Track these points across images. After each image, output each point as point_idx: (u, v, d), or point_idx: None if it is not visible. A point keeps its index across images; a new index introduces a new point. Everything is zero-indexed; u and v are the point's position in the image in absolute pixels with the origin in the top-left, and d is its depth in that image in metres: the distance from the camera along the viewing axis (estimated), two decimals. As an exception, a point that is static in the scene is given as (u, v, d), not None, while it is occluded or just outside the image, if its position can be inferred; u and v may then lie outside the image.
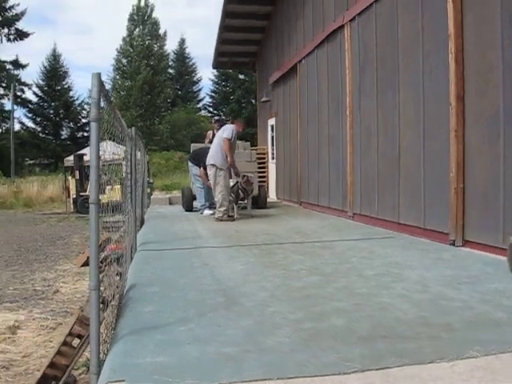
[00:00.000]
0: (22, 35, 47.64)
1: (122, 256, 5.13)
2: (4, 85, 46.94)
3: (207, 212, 10.56)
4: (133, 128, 5.96)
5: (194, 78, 55.96)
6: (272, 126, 16.30)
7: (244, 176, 9.78)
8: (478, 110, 5.86)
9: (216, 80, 53.27)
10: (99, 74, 2.90)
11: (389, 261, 5.32)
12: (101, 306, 3.13)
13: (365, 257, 5.56)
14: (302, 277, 4.62)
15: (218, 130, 11.94)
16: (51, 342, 6.27)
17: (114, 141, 3.79)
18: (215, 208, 9.65)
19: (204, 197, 10.80)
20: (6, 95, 46.94)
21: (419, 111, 6.92)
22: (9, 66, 47.50)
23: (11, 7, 46.40)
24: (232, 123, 10.13)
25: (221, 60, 20.04)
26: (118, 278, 4.28)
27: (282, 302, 3.80)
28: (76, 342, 3.91)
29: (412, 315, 3.41)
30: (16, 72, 47.83)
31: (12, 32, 47.04)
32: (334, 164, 10.28)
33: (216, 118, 13.64)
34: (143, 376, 2.47)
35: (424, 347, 2.81)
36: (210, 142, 11.97)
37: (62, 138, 50.96)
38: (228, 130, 9.66)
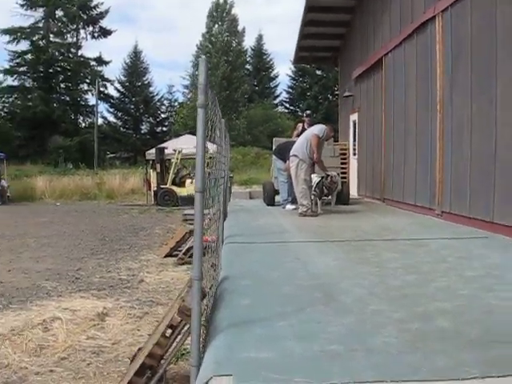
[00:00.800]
0: (105, 33, 49.41)
1: (212, 248, 5.13)
2: (88, 81, 48.69)
3: (289, 207, 10.48)
4: (223, 120, 5.94)
5: (271, 74, 56.06)
6: (354, 122, 16.02)
7: (328, 176, 9.64)
8: None
9: (293, 76, 53.19)
10: (206, 60, 2.86)
11: (488, 262, 5.05)
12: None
13: (461, 257, 5.31)
14: (399, 275, 4.45)
15: (308, 124, 11.96)
16: (139, 330, 6.38)
17: (214, 130, 3.73)
18: (298, 203, 9.56)
19: (287, 191, 10.72)
20: (90, 91, 48.71)
21: (520, 104, 6.56)
22: (93, 63, 49.24)
23: (96, 6, 48.26)
24: (324, 124, 10.06)
25: (302, 55, 19.89)
26: (212, 269, 4.26)
27: (381, 300, 3.65)
28: (168, 332, 3.91)
29: (525, 320, 3.19)
30: (99, 68, 49.59)
31: (96, 30, 48.95)
32: (422, 160, 9.95)
33: (308, 112, 13.49)
34: (250, 371, 2.40)
35: (546, 356, 2.60)
36: (298, 135, 11.94)
37: (142, 132, 52.38)
38: (319, 128, 9.66)
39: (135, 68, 51.76)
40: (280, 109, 54.63)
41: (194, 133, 4.00)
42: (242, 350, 2.66)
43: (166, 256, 10.62)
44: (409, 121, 10.78)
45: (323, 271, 4.63)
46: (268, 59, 55.87)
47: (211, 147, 5.34)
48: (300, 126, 12.55)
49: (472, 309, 3.45)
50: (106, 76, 49.80)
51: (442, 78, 8.95)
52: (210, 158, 5.85)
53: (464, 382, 2.31)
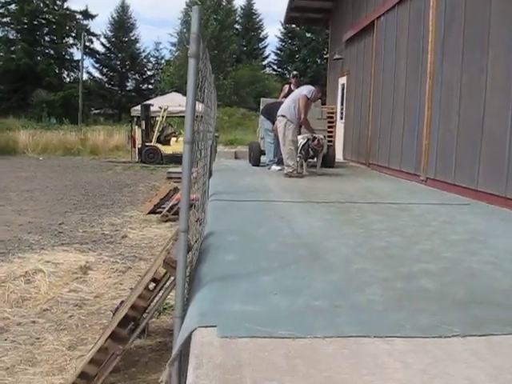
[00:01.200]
0: (91, -15, 48.18)
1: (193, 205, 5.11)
2: (74, 34, 47.74)
3: (275, 167, 10.45)
4: (212, 75, 5.84)
5: (260, 35, 55.35)
6: (342, 85, 15.91)
7: (315, 138, 9.58)
8: None
9: (282, 38, 52.60)
10: (199, 9, 2.79)
11: (471, 227, 5.09)
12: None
13: (445, 221, 5.35)
14: (383, 237, 4.46)
15: (294, 86, 11.84)
16: (121, 284, 6.41)
17: (204, 83, 3.66)
18: (283, 164, 9.53)
19: (273, 152, 10.68)
20: (76, 45, 47.80)
21: (510, 73, 6.52)
22: (78, 16, 48.22)
23: (81, -44, 46.88)
24: (312, 85, 9.95)
25: (293, 15, 19.58)
26: (198, 224, 4.24)
27: (366, 260, 3.67)
28: (152, 286, 3.91)
29: (507, 284, 3.21)
30: (85, 22, 48.60)
31: (82, -18, 47.63)
32: (409, 126, 9.93)
33: (294, 72, 13.30)
34: (234, 323, 2.40)
35: (527, 318, 2.64)
36: (285, 96, 11.82)
37: (127, 89, 51.70)
38: (308, 89, 9.60)
39: (122, 23, 50.82)
40: (268, 70, 54.18)
41: (179, 91, 3.93)
42: (226, 303, 2.66)
43: (149, 213, 10.62)
44: (398, 86, 10.72)
45: (308, 230, 4.63)
46: (257, 19, 55.12)
47: (199, 106, 5.28)
48: (287, 87, 12.41)
49: (456, 271, 3.48)
50: (91, 30, 48.95)
51: (434, 44, 8.88)
52: (197, 116, 5.78)
53: (446, 340, 2.33)
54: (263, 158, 11.38)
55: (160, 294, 3.74)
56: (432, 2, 8.92)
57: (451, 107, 8.15)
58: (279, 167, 10.21)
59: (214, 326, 2.37)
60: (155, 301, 3.83)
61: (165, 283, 3.64)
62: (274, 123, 10.17)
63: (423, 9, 9.40)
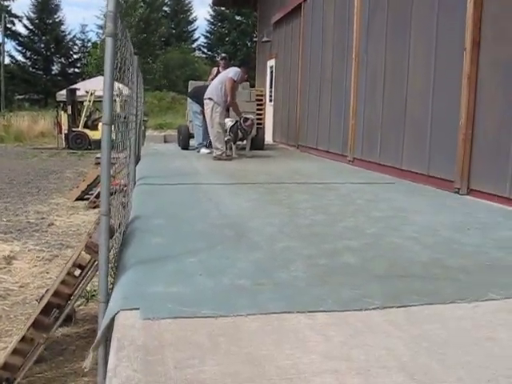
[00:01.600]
0: (12, -36, 46.18)
1: (123, 189, 5.02)
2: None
3: (204, 150, 10.41)
4: (137, 56, 5.73)
5: (190, 18, 54.67)
6: (271, 68, 15.97)
7: (247, 119, 9.59)
8: (494, 56, 5.67)
9: (212, 20, 52.17)
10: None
11: (394, 205, 5.24)
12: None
13: (370, 199, 5.48)
14: (309, 215, 4.53)
15: (223, 68, 11.76)
16: (47, 273, 6.24)
17: (124, 63, 3.58)
18: (212, 147, 9.51)
19: (202, 135, 10.62)
20: (-4, 27, 45.85)
21: (431, 55, 6.71)
22: (-2, -3, 46.26)
23: None
24: (239, 67, 9.93)
25: (221, -3, 19.48)
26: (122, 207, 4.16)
27: (291, 238, 3.71)
28: (77, 273, 3.83)
29: (425, 257, 3.33)
30: (6, 3, 46.58)
31: (2, -39, 45.65)
32: (336, 108, 10.09)
33: (223, 55, 13.21)
34: (157, 305, 2.37)
35: (443, 288, 2.74)
36: (213, 79, 11.74)
37: (53, 73, 50.05)
38: (235, 71, 9.61)
39: (46, 5, 48.99)
40: (197, 53, 53.67)
41: (124, 62, 3.82)
42: (150, 285, 2.63)
43: (76, 199, 10.38)
44: (325, 68, 10.85)
45: (235, 212, 4.64)
46: (186, 2, 54.36)
47: (124, 90, 5.16)
48: (215, 69, 12.28)
49: (378, 246, 3.57)
50: (13, 12, 46.96)
51: (359, 26, 9.02)
52: (123, 100, 5.66)
53: (366, 312, 2.39)
54: (192, 142, 11.30)
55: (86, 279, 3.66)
56: (357, -15, 9.05)
57: (376, 89, 8.33)
58: (208, 150, 10.19)
59: (137, 309, 2.34)
60: (81, 286, 3.75)
61: (90, 269, 3.57)
62: (202, 106, 10.10)
63: (348, -9, 9.51)
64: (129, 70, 4.32)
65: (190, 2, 54.51)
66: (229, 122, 9.72)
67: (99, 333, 2.51)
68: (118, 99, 5.43)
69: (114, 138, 4.18)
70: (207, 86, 9.97)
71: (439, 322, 2.32)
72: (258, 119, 11.87)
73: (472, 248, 3.59)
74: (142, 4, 45.18)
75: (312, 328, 2.21)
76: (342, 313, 2.38)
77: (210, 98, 9.33)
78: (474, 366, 1.91)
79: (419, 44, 7.07)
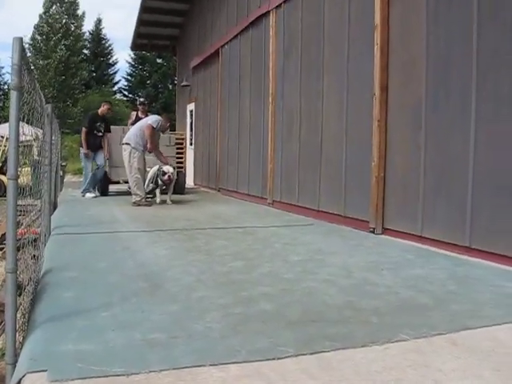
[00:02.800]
0: None
1: (36, 239, 4.85)
2: None
3: (89, 195, 10.81)
4: (50, 105, 5.63)
5: (110, 61, 54.24)
6: (191, 112, 16.07)
7: (165, 173, 9.42)
8: (401, 100, 5.97)
9: (133, 63, 51.93)
10: (21, 39, 2.67)
11: (312, 247, 5.33)
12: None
13: (288, 243, 5.54)
14: (227, 262, 4.53)
15: (142, 113, 11.82)
16: (-45, 330, 5.87)
17: (33, 114, 3.51)
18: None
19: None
20: None
21: (343, 99, 6.97)
22: None
23: None
24: (160, 115, 10.04)
25: (140, 42, 19.52)
26: (32, 261, 4.02)
27: (208, 287, 3.69)
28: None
29: (340, 300, 3.40)
30: None
31: None
32: (255, 151, 10.24)
33: (141, 99, 13.20)
34: (67, 365, 2.29)
35: (355, 331, 2.79)
36: (133, 123, 11.77)
37: (-34, 117, 48.30)
38: (155, 119, 9.64)
39: (-42, 47, 47.54)
40: (119, 96, 53.19)
41: (33, 113, 3.72)
42: (59, 344, 2.54)
43: (-10, 249, 9.90)
44: (243, 112, 11.03)
45: (152, 260, 4.58)
46: (107, 45, 54.02)
47: (40, 134, 5.04)
48: (134, 113, 12.36)
49: (293, 291, 3.61)
50: None
51: (275, 71, 9.27)
52: (26, 146, 5.51)
53: (280, 361, 2.40)
54: (111, 187, 11.20)
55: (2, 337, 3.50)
56: (272, 31, 9.34)
57: (292, 133, 8.53)
58: (93, 194, 10.83)
59: (45, 371, 2.25)
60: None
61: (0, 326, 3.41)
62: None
63: (264, 37, 9.80)
64: (38, 120, 4.23)
65: (110, 45, 54.25)
66: (150, 173, 9.72)
67: (4, 398, 2.40)
68: (35, 144, 5.30)
69: (31, 184, 4.07)
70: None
71: (351, 367, 2.35)
72: (178, 163, 11.87)
73: (384, 289, 3.69)
74: (62, 47, 44.53)
75: (224, 381, 2.19)
76: (255, 363, 2.37)
77: (127, 143, 9.29)
78: (382, 411, 1.95)
79: (331, 88, 7.33)
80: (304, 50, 8.21)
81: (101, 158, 11.13)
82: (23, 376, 2.25)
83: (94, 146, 11.04)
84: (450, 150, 5.21)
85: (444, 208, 5.28)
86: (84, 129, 10.96)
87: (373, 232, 6.23)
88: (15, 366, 2.53)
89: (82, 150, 11.03)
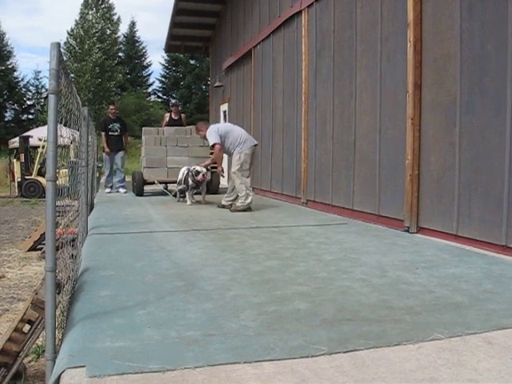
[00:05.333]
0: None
1: (74, 239, 4.97)
2: None
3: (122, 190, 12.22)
4: (86, 107, 5.75)
5: (144, 63, 54.97)
6: (224, 112, 16.16)
7: (198, 172, 9.39)
8: (434, 98, 5.91)
9: (166, 65, 52.51)
10: (59, 44, 2.75)
11: (346, 246, 5.32)
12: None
13: (322, 242, 5.55)
14: (261, 261, 4.57)
15: (175, 114, 12.18)
16: (-3, 328, 6.05)
17: (70, 117, 3.60)
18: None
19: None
20: None
21: (376, 97, 6.95)
22: None
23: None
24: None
25: (173, 43, 19.70)
26: (71, 261, 4.12)
27: (242, 286, 3.73)
28: (27, 328, 3.76)
29: (374, 299, 3.40)
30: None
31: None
32: (288, 150, 10.26)
33: (173, 101, 13.71)
34: (104, 361, 2.36)
35: (389, 330, 2.80)
36: (167, 124, 12.16)
37: (6, 120, 49.34)
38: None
39: (-2, 51, 48.61)
40: (153, 98, 53.81)
41: (70, 115, 3.82)
42: (97, 341, 2.61)
43: (29, 250, 10.14)
44: (276, 112, 11.05)
45: (187, 260, 4.63)
46: (141, 47, 54.73)
47: (77, 136, 5.16)
48: (167, 115, 12.96)
49: (327, 290, 3.62)
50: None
51: (307, 70, 9.27)
52: (64, 147, 5.63)
53: (313, 359, 2.42)
54: (146, 188, 11.36)
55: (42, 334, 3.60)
56: (304, 31, 9.33)
57: (326, 132, 8.52)
58: (109, 190, 12.33)
59: (83, 366, 2.31)
60: (30, 342, 3.67)
61: (38, 324, 3.51)
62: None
63: (296, 37, 9.80)
64: (75, 123, 4.33)
65: (144, 48, 54.97)
66: (180, 174, 9.77)
67: (45, 392, 2.47)
68: (72, 146, 5.42)
69: (69, 186, 4.17)
70: None
71: (384, 366, 2.36)
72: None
73: (418, 287, 3.67)
74: (96, 50, 45.19)
75: (258, 378, 2.22)
76: (289, 361, 2.40)
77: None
78: (416, 410, 1.95)
79: (364, 87, 7.31)
80: (336, 48, 8.19)
81: (119, 160, 12.38)
82: (63, 371, 2.31)
83: (113, 145, 12.26)
84: (485, 148, 5.15)
85: (480, 206, 5.21)
86: (102, 132, 12.38)
87: (407, 231, 6.19)
88: (55, 362, 2.60)
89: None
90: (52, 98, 2.72)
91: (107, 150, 12.29)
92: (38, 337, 3.51)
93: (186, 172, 9.67)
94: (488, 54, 5.10)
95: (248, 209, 8.46)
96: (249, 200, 8.47)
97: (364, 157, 7.32)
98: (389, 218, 6.67)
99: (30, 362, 4.91)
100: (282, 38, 10.67)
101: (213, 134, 8.59)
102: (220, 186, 12.30)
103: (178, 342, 2.62)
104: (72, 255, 4.13)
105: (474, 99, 5.28)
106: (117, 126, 12.41)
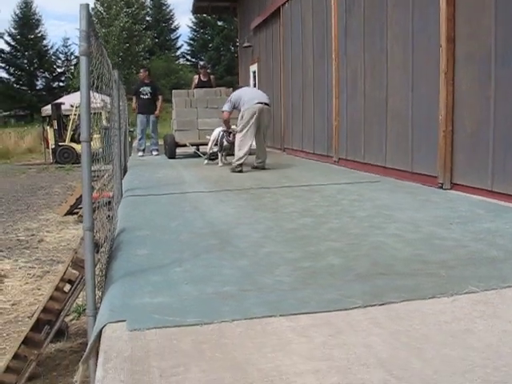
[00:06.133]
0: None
1: (110, 202, 5.05)
2: (-26, 33, 45.60)
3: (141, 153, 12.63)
4: (116, 71, 5.78)
5: (172, 26, 54.75)
6: (254, 73, 16.04)
7: (229, 133, 9.44)
8: (468, 51, 5.76)
9: (194, 27, 52.24)
10: (87, 5, 2.76)
11: (378, 203, 5.30)
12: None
13: (355, 199, 5.54)
14: (294, 219, 4.60)
15: (204, 76, 12.23)
16: (39, 289, 6.24)
17: (102, 80, 3.62)
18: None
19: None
20: (-23, 44, 45.67)
21: (408, 53, 6.80)
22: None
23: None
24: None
25: (200, 5, 19.51)
26: (107, 221, 4.20)
27: (276, 243, 3.77)
28: (67, 287, 3.86)
29: (407, 253, 3.41)
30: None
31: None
32: (319, 109, 10.17)
33: (202, 63, 13.77)
34: (143, 316, 2.43)
35: (423, 283, 2.81)
36: (196, 86, 12.15)
37: (37, 88, 49.92)
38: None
39: (27, 20, 48.85)
40: (182, 61, 53.71)
41: (101, 79, 3.84)
42: (136, 297, 2.69)
43: (66, 214, 10.35)
44: (306, 70, 10.93)
45: (221, 219, 4.69)
46: (168, 10, 54.46)
47: (109, 101, 5.20)
48: (196, 77, 13.15)
49: (361, 246, 3.64)
50: (-6, 29, 46.81)
51: (337, 27, 9.11)
52: (108, 112, 5.69)
53: (347, 312, 2.45)
54: (178, 150, 11.43)
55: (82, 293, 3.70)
56: (333, -13, 9.13)
57: (357, 88, 8.41)
58: (141, 153, 12.62)
59: (124, 321, 2.39)
60: (71, 300, 3.78)
61: (78, 283, 3.61)
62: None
63: (325, -7, 9.60)
64: (107, 85, 4.36)
65: (171, 11, 54.62)
66: (212, 136, 9.77)
67: (88, 346, 2.56)
68: (103, 112, 5.48)
69: (102, 150, 4.23)
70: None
71: (419, 318, 2.38)
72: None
73: (452, 242, 3.66)
74: (123, 15, 45.01)
75: (294, 330, 2.26)
76: (324, 314, 2.44)
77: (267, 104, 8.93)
78: (451, 359, 1.98)
79: (396, 41, 7.16)
80: (367, 3, 8.01)
81: (150, 124, 12.83)
82: (104, 326, 2.39)
83: (143, 107, 12.66)
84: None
85: (515, 161, 5.12)
86: (133, 96, 12.96)
87: (441, 187, 6.12)
88: (96, 318, 2.69)
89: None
90: (83, 60, 2.74)
91: (134, 106, 12.96)
92: (78, 296, 3.61)
93: (221, 133, 9.64)
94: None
95: (239, 171, 8.50)
96: (234, 162, 8.61)
97: (396, 113, 7.22)
98: (422, 174, 6.60)
99: (71, 320, 5.07)
100: (311, -6, 10.48)
101: (226, 101, 9.15)
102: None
103: (215, 297, 2.67)
104: (108, 216, 4.22)
105: (510, 51, 5.13)
106: (147, 89, 12.61)
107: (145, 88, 12.63)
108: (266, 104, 8.77)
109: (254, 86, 15.99)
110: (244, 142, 8.56)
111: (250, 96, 8.87)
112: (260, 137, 8.87)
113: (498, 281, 2.82)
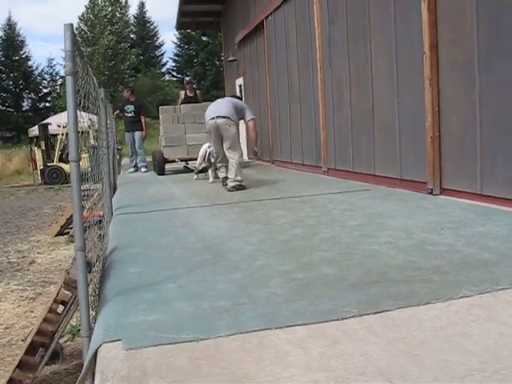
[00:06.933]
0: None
1: (100, 221, 5.04)
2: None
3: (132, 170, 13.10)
4: (102, 89, 5.78)
5: (156, 43, 54.95)
6: (240, 86, 16.09)
7: None
8: (452, 57, 5.81)
9: (179, 43, 52.41)
10: (71, 25, 2.76)
11: (370, 211, 5.32)
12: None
13: (346, 209, 5.55)
14: (286, 230, 4.59)
15: (190, 91, 12.26)
16: (32, 312, 6.19)
17: (88, 98, 3.62)
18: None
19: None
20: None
21: (392, 60, 6.85)
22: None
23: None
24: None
25: (184, 20, 19.54)
26: (99, 240, 4.19)
27: (269, 255, 3.76)
28: (61, 309, 3.83)
29: (401, 260, 3.41)
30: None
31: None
32: (307, 120, 10.20)
33: (187, 78, 13.89)
34: (139, 334, 2.41)
35: (417, 290, 2.80)
36: (182, 102, 12.17)
37: (24, 109, 49.83)
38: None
39: (11, 41, 48.85)
40: (167, 77, 53.82)
41: (87, 97, 3.84)
42: (131, 315, 2.67)
43: (57, 235, 10.31)
44: (292, 82, 10.98)
45: (213, 233, 4.67)
46: (152, 27, 54.63)
47: (95, 119, 5.20)
48: (182, 93, 13.23)
49: (354, 254, 3.64)
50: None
51: (321, 38, 9.17)
52: (83, 132, 5.66)
53: (343, 321, 2.45)
54: (167, 166, 11.43)
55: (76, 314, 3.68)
56: (315, -1, 9.20)
57: (343, 97, 8.45)
58: (133, 169, 13.12)
59: (119, 340, 2.37)
60: (65, 321, 3.76)
61: (72, 304, 3.58)
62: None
63: (307, 4, 9.67)
64: (94, 104, 4.35)
65: (155, 28, 54.80)
66: (201, 151, 9.70)
67: (84, 367, 2.53)
68: (91, 131, 5.46)
69: (90, 169, 4.22)
70: None
71: (415, 324, 2.38)
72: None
73: (445, 247, 3.67)
74: (107, 33, 45.11)
75: (291, 342, 2.25)
76: (319, 324, 2.43)
77: (228, 118, 8.19)
78: (449, 364, 1.97)
79: (380, 51, 7.21)
80: (349, 13, 8.07)
81: (136, 140, 13.04)
82: (99, 346, 2.37)
83: (128, 124, 13.06)
84: (506, 106, 5.07)
85: (503, 165, 5.14)
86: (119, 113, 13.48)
87: (431, 193, 6.15)
88: (91, 339, 2.67)
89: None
90: (69, 80, 2.74)
91: (117, 114, 13.47)
92: (71, 317, 3.59)
93: (208, 149, 9.54)
94: (505, 8, 4.99)
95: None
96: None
97: (383, 121, 7.26)
98: (411, 181, 6.62)
99: (65, 341, 5.03)
100: (294, 6, 10.54)
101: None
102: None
103: (210, 312, 2.66)
104: (100, 235, 4.20)
105: (493, 56, 5.18)
106: (131, 107, 12.90)
107: (129, 106, 12.97)
108: (222, 117, 8.11)
109: (241, 99, 16.01)
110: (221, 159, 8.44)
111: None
112: (223, 150, 8.27)
113: (491, 284, 2.82)
